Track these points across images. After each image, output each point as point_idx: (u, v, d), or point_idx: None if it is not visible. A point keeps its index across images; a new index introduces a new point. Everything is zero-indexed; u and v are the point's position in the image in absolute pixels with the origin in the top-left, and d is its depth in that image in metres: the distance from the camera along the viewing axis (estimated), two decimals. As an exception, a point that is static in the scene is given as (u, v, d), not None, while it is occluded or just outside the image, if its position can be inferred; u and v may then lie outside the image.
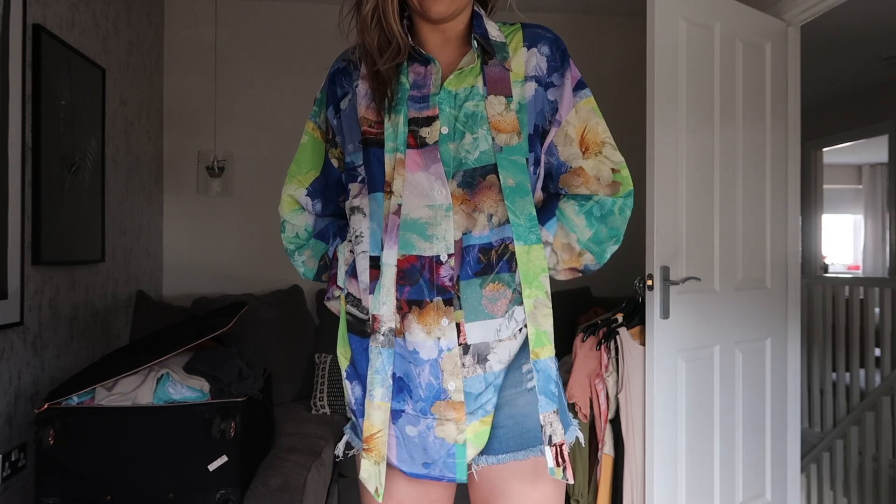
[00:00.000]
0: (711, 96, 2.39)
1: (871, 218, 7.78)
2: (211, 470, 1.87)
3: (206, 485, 1.87)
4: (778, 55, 2.62)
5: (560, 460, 1.03)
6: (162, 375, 1.97)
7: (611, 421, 2.32)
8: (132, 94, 3.06)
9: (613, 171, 1.14)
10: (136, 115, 3.11)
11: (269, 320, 3.11)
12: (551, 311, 1.06)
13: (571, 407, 2.41)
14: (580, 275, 1.17)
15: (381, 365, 1.04)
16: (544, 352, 1.05)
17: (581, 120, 1.14)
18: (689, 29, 2.29)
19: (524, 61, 1.10)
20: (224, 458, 1.88)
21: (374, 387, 1.05)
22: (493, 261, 1.04)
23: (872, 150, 6.82)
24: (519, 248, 1.04)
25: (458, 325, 1.04)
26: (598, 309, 3.15)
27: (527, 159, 1.08)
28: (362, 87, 1.11)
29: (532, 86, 1.10)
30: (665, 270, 2.21)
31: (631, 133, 3.65)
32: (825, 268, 7.14)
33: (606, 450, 2.32)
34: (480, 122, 1.05)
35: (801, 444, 2.74)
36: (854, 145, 5.66)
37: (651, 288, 2.21)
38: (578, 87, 1.14)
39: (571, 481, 1.04)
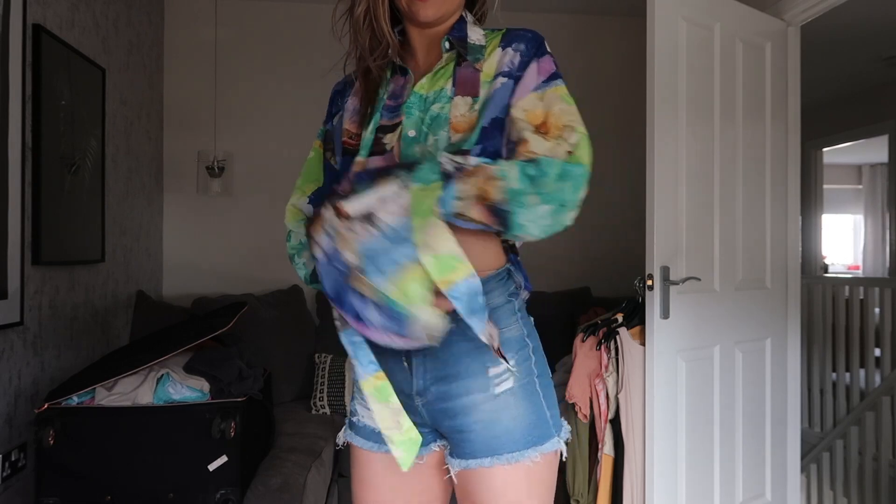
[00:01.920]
0: (711, 96, 2.39)
1: (871, 218, 7.78)
2: (211, 470, 1.87)
3: (206, 485, 1.87)
4: (778, 55, 2.62)
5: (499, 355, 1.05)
6: (162, 375, 1.97)
7: (611, 421, 2.32)
8: (132, 94, 3.06)
9: (569, 153, 0.99)
10: (136, 115, 3.11)
11: (269, 320, 3.11)
12: (448, 229, 0.93)
13: (571, 407, 2.41)
14: (494, 221, 0.97)
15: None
16: (457, 274, 0.91)
17: (545, 105, 1.05)
18: (689, 29, 2.29)
19: (497, 61, 1.10)
20: (224, 458, 1.89)
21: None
22: None
23: (872, 150, 6.82)
24: (415, 188, 0.94)
25: None
26: (598, 309, 3.15)
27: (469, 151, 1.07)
28: (351, 103, 1.17)
29: (500, 80, 1.09)
30: (665, 270, 2.21)
31: (631, 133, 3.66)
32: (825, 268, 7.14)
33: (606, 450, 2.32)
34: (443, 125, 1.07)
35: (801, 444, 2.74)
36: (854, 145, 5.66)
37: (651, 288, 2.21)
38: (551, 78, 1.08)
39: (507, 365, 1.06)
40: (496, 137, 1.06)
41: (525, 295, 1.15)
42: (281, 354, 3.06)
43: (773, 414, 2.59)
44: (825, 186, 5.90)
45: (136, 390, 1.94)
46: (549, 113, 1.04)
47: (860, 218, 8.26)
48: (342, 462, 2.66)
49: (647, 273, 2.23)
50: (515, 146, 1.02)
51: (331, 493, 2.61)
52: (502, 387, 1.06)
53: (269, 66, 3.58)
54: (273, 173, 3.55)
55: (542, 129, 1.03)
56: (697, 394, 2.32)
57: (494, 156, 1.04)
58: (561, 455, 1.14)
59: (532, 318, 1.15)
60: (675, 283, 2.22)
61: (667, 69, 2.23)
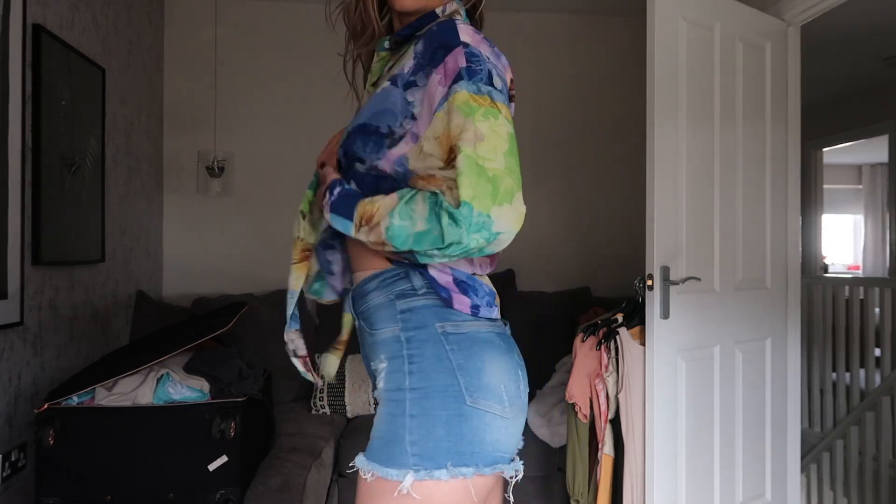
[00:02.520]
0: (711, 96, 2.39)
1: (871, 218, 7.78)
2: (211, 470, 1.87)
3: (206, 485, 1.87)
4: (778, 55, 2.62)
5: (306, 368, 1.20)
6: (162, 375, 1.97)
7: (611, 421, 2.32)
8: (132, 94, 3.06)
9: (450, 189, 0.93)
10: (136, 115, 3.11)
11: (269, 320, 3.11)
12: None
13: (571, 407, 2.41)
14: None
15: None
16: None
17: (447, 122, 0.96)
18: (689, 29, 2.29)
19: (404, 62, 1.05)
20: (224, 458, 1.89)
21: None
22: None
23: (872, 150, 6.82)
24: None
25: None
26: (598, 309, 3.15)
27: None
28: None
29: (383, 85, 1.04)
30: (665, 270, 2.21)
31: (631, 133, 3.66)
32: (825, 268, 7.14)
33: (606, 450, 2.32)
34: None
35: (801, 444, 2.74)
36: (854, 145, 5.66)
37: (651, 288, 2.21)
38: (452, 82, 0.95)
39: (319, 383, 1.10)
40: (356, 142, 1.03)
41: (431, 300, 1.02)
42: (281, 354, 3.04)
43: (773, 414, 2.59)
44: (825, 186, 5.90)
45: (136, 390, 1.94)
46: (450, 135, 0.94)
47: (860, 218, 8.25)
48: (342, 462, 2.66)
49: (647, 273, 2.23)
50: (415, 184, 0.99)
51: (331, 494, 2.60)
52: (378, 385, 1.03)
53: (268, 66, 3.58)
54: (273, 173, 3.55)
55: (451, 157, 0.94)
56: (697, 394, 2.32)
57: (350, 160, 1.04)
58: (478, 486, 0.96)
59: (442, 329, 1.00)
60: (675, 283, 2.22)
61: (667, 69, 2.23)
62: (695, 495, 2.30)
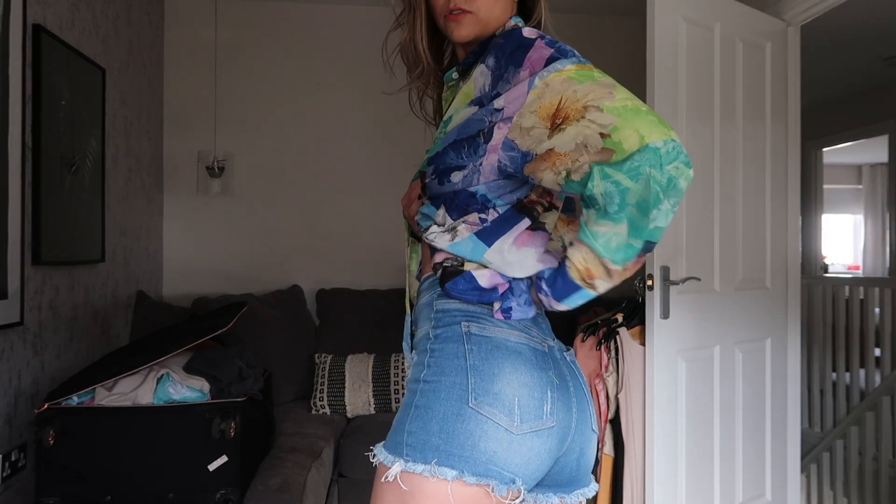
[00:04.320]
0: (711, 96, 2.39)
1: (871, 218, 7.78)
2: (211, 470, 1.88)
3: (206, 485, 1.87)
4: (778, 55, 2.62)
5: None
6: (162, 375, 1.97)
7: (611, 421, 2.32)
8: (132, 94, 3.06)
9: (602, 135, 0.87)
10: (136, 115, 3.11)
11: (269, 320, 3.11)
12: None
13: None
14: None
15: None
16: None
17: (555, 93, 0.92)
18: (689, 29, 2.29)
19: (473, 82, 1.04)
20: (224, 458, 1.89)
21: None
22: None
23: (872, 150, 6.81)
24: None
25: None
26: (598, 309, 3.14)
27: (423, 172, 1.09)
28: None
29: (470, 111, 1.02)
30: (665, 270, 2.21)
31: (631, 133, 3.66)
32: (825, 268, 7.14)
33: (606, 450, 2.32)
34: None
35: (801, 444, 2.74)
36: (854, 145, 5.66)
37: (651, 288, 2.21)
38: (548, 62, 0.95)
39: None
40: (449, 155, 1.03)
41: (469, 306, 1.03)
42: (281, 354, 3.06)
43: (773, 414, 2.59)
44: (825, 186, 5.90)
45: (136, 390, 1.94)
46: (563, 98, 0.91)
47: (860, 218, 8.25)
48: (342, 462, 2.66)
49: (647, 273, 2.23)
50: (536, 156, 0.93)
51: (331, 494, 2.60)
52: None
53: (269, 66, 3.58)
54: (273, 173, 3.55)
55: (557, 118, 0.91)
56: (697, 394, 2.32)
57: (444, 173, 1.03)
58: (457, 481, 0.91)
59: (466, 329, 1.00)
60: (675, 283, 2.22)
61: (667, 69, 2.23)
62: (695, 495, 2.30)
